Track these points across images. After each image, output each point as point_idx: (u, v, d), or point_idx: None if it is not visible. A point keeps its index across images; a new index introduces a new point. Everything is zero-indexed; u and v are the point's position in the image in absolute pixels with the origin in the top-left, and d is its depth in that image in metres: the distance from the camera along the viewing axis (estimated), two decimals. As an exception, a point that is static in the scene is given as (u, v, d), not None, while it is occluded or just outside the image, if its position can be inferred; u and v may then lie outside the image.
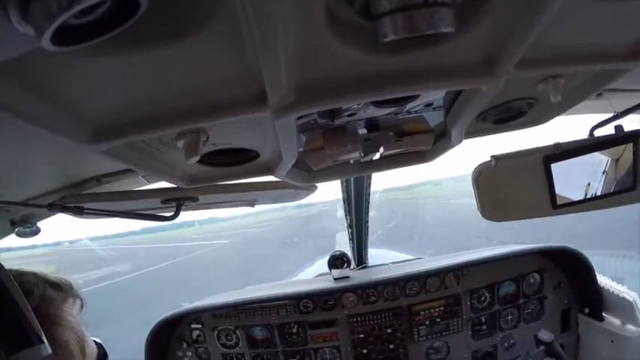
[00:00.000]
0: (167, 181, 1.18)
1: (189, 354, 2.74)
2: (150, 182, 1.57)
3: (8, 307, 0.86)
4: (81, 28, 0.44)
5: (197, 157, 0.85)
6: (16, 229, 1.50)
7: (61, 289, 1.11)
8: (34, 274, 1.09)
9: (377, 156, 1.34)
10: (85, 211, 1.31)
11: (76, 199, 1.31)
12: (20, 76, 0.58)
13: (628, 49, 0.85)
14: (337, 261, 2.79)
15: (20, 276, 1.01)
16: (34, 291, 1.03)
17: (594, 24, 0.75)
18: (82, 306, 1.16)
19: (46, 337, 0.90)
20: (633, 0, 0.67)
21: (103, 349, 1.22)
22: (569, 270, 2.72)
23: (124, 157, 0.91)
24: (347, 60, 0.67)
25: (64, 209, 1.28)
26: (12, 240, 1.54)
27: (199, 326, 2.71)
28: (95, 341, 1.19)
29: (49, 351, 0.90)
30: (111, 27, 0.45)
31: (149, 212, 1.54)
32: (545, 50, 0.76)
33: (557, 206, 1.51)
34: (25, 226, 1.51)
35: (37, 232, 1.58)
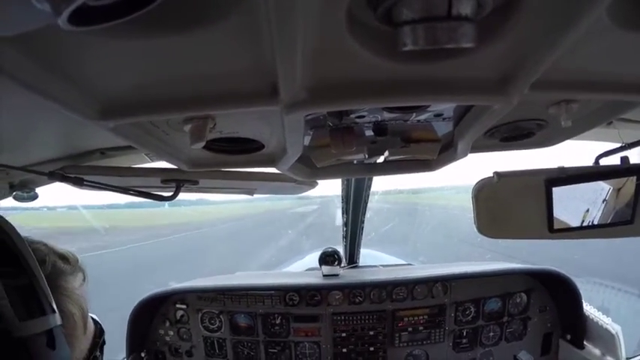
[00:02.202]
0: (170, 162, 1.18)
1: (171, 333, 2.74)
2: (152, 160, 1.57)
3: (24, 273, 0.86)
4: (99, 9, 0.43)
5: (202, 143, 0.85)
6: (14, 193, 1.51)
7: (68, 261, 1.10)
8: (45, 244, 1.08)
9: (381, 159, 1.34)
10: (85, 182, 1.32)
11: (76, 170, 1.31)
12: (33, 48, 0.58)
13: None
14: (328, 257, 2.78)
15: (32, 244, 0.99)
16: (46, 260, 1.03)
17: (615, 53, 0.74)
18: (84, 280, 1.15)
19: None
20: None
21: (100, 324, 1.22)
22: (556, 294, 2.72)
23: (130, 136, 0.91)
24: (363, 64, 0.67)
25: (64, 179, 1.28)
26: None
27: (184, 307, 2.71)
28: (93, 318, 1.19)
29: (60, 321, 0.91)
30: (130, 10, 0.44)
31: (148, 190, 1.54)
32: (561, 74, 0.76)
33: (554, 230, 1.51)
34: (24, 190, 1.51)
35: (34, 197, 1.58)
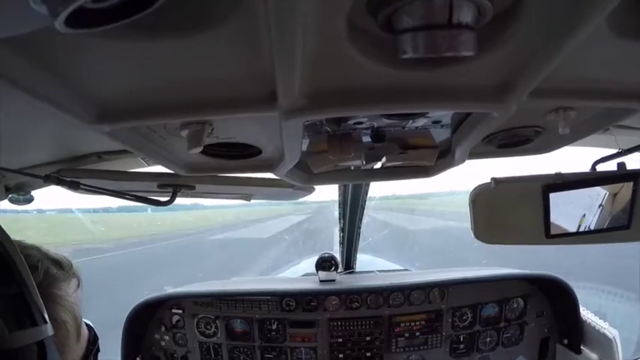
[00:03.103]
0: (167, 167, 1.17)
1: (167, 338, 2.72)
2: (149, 165, 1.56)
3: (14, 281, 0.83)
4: (97, 12, 0.43)
5: (200, 148, 0.84)
6: (10, 196, 1.50)
7: (62, 267, 1.09)
8: (38, 249, 1.07)
9: (378, 165, 1.34)
10: (81, 186, 1.31)
11: (73, 173, 1.30)
12: (30, 50, 0.57)
13: None
14: (325, 263, 2.77)
15: (24, 249, 0.97)
16: (39, 267, 1.01)
17: (613, 61, 0.74)
18: (78, 285, 1.14)
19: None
20: None
21: (94, 331, 1.20)
22: (553, 299, 2.72)
23: (127, 140, 0.90)
24: (362, 70, 0.66)
25: (60, 182, 1.27)
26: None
27: (180, 312, 2.69)
28: (86, 323, 1.17)
29: (51, 332, 0.88)
30: (128, 13, 0.44)
31: (145, 195, 1.54)
32: (560, 82, 0.76)
33: (551, 236, 1.51)
34: (19, 193, 1.50)
35: (30, 200, 1.57)
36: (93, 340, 1.18)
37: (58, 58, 0.61)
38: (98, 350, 1.20)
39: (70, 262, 1.13)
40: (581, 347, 2.58)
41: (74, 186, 1.29)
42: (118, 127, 0.80)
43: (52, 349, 0.87)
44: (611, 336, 2.39)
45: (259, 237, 21.17)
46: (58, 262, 1.08)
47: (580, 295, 2.66)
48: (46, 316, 0.87)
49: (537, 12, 0.57)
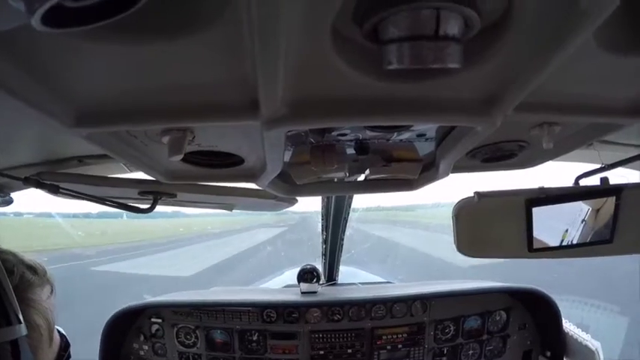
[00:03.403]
0: (147, 173, 1.16)
1: (146, 347, 2.68)
2: (131, 171, 1.54)
3: None
4: (76, 11, 0.42)
5: (181, 156, 0.83)
6: (-11, 197, 1.47)
7: (36, 272, 1.10)
8: (13, 254, 1.08)
9: (362, 177, 1.33)
10: (61, 190, 1.30)
11: (53, 177, 1.28)
12: (9, 49, 0.56)
13: (628, 106, 0.85)
14: (307, 275, 2.75)
15: (1, 254, 1.00)
16: (14, 271, 1.02)
17: (600, 76, 0.75)
18: (51, 292, 1.14)
19: None
20: None
21: (66, 338, 1.21)
22: (535, 312, 2.73)
23: (106, 145, 0.89)
24: (346, 81, 0.66)
25: (40, 185, 1.26)
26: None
27: (159, 321, 2.66)
28: (59, 331, 1.18)
29: (25, 332, 0.91)
30: (108, 14, 0.43)
31: (125, 202, 1.52)
32: (546, 96, 0.76)
33: (533, 250, 1.52)
34: (-2, 195, 1.48)
35: (9, 202, 1.55)
36: (65, 346, 1.19)
37: (36, 58, 0.59)
38: (69, 357, 1.21)
39: (44, 269, 1.14)
40: (564, 359, 2.60)
41: (54, 190, 1.28)
42: (96, 131, 0.79)
43: (25, 349, 0.90)
44: (593, 348, 2.41)
45: (179, 275, 13.70)
46: (32, 268, 1.10)
47: (563, 307, 2.67)
48: (21, 317, 0.90)
49: (525, 26, 0.57)
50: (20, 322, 0.89)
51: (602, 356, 2.39)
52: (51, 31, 0.42)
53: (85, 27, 0.43)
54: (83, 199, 1.41)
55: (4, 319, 0.86)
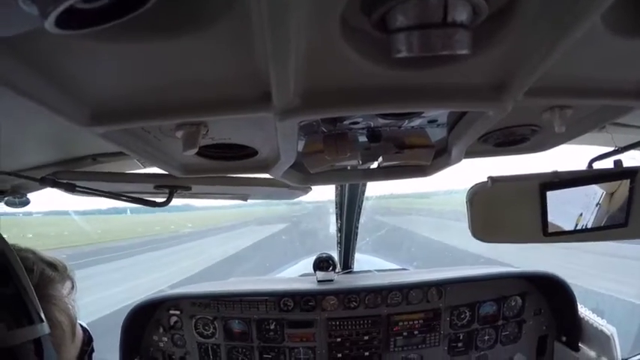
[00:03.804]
0: (162, 168, 1.17)
1: (165, 339, 2.72)
2: (145, 166, 1.56)
3: (12, 282, 0.86)
4: (88, 12, 0.43)
5: (195, 150, 0.84)
6: (6, 199, 1.49)
7: (57, 269, 1.10)
8: (33, 252, 1.08)
9: (375, 165, 1.33)
10: (77, 188, 1.31)
11: (69, 176, 1.30)
12: (22, 51, 0.57)
13: (639, 88, 0.85)
14: (323, 263, 2.78)
15: (20, 252, 0.99)
16: (34, 269, 1.03)
17: (609, 59, 0.74)
18: (72, 287, 1.15)
19: None
20: None
21: (89, 332, 1.22)
22: (551, 297, 2.73)
23: (121, 142, 0.90)
24: (356, 70, 0.66)
25: (56, 184, 1.27)
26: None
27: (178, 312, 2.69)
28: (81, 325, 1.19)
29: (48, 330, 0.90)
30: (119, 14, 0.44)
31: (141, 196, 1.53)
32: (555, 80, 0.76)
33: (548, 234, 1.51)
34: (15, 196, 1.50)
35: (26, 202, 1.57)
36: (87, 341, 1.19)
37: (50, 59, 0.60)
38: (92, 351, 1.22)
39: (64, 265, 1.14)
40: (579, 344, 2.59)
41: (70, 188, 1.29)
42: (111, 129, 0.80)
43: (48, 347, 0.90)
44: (609, 333, 2.40)
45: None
46: (52, 265, 1.10)
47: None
48: (43, 316, 0.90)
49: (533, 11, 0.57)
50: (42, 321, 0.89)
51: (617, 341, 2.38)
52: (63, 33, 0.43)
53: (96, 28, 0.44)
54: (100, 195, 1.43)
55: (26, 319, 0.86)
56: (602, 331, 2.44)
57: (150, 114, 0.76)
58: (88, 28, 0.44)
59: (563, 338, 2.68)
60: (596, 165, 1.51)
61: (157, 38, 0.57)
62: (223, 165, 1.17)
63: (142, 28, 0.54)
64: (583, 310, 2.61)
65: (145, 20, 0.48)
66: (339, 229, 3.20)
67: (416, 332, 2.69)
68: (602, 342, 2.44)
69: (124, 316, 2.63)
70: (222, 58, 0.64)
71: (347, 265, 3.36)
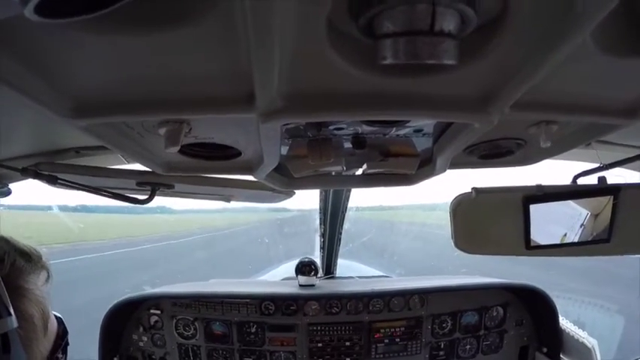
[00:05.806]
0: (144, 165, 1.16)
1: (145, 339, 2.69)
2: (129, 162, 1.54)
3: None
4: (71, 1, 0.42)
5: (177, 148, 0.83)
6: (-14, 188, 1.47)
7: (30, 259, 1.07)
8: (6, 241, 1.05)
9: (359, 172, 1.33)
10: (59, 181, 1.29)
11: (51, 168, 1.28)
12: (4, 38, 0.56)
13: (626, 107, 0.85)
14: (305, 267, 2.76)
15: None
16: (5, 259, 1.00)
17: (597, 76, 0.74)
18: (47, 278, 1.11)
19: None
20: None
21: (64, 324, 1.18)
22: (532, 308, 2.74)
23: (104, 136, 0.89)
24: (342, 75, 0.65)
25: (37, 176, 1.26)
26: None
27: (158, 312, 2.66)
28: (56, 316, 1.15)
29: (16, 324, 0.88)
30: (104, 4, 0.43)
31: (123, 192, 1.52)
32: (543, 95, 0.76)
33: (530, 247, 1.51)
34: (-4, 185, 1.47)
35: (7, 193, 1.55)
36: (62, 334, 1.15)
37: (32, 49, 0.59)
38: (67, 344, 1.18)
39: (39, 254, 1.10)
40: (561, 356, 2.62)
41: (51, 180, 1.27)
42: (93, 122, 0.79)
43: (15, 342, 0.88)
44: (590, 345, 2.41)
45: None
46: (26, 254, 1.07)
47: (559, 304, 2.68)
48: (11, 309, 0.88)
49: (522, 25, 0.56)
50: (10, 314, 0.87)
51: (598, 354, 2.40)
52: (44, 22, 0.42)
53: (79, 18, 0.43)
54: (81, 189, 1.41)
55: None
56: (583, 344, 2.45)
57: (132, 109, 0.75)
58: (70, 17, 0.43)
59: (544, 349, 2.70)
60: (581, 181, 1.52)
61: (141, 32, 0.56)
62: (207, 164, 1.16)
63: (127, 21, 0.53)
64: (564, 322, 2.63)
65: (130, 12, 0.48)
66: (323, 234, 3.21)
67: (397, 340, 2.68)
68: (583, 354, 2.46)
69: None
70: (205, 55, 0.63)
71: (329, 270, 3.36)
